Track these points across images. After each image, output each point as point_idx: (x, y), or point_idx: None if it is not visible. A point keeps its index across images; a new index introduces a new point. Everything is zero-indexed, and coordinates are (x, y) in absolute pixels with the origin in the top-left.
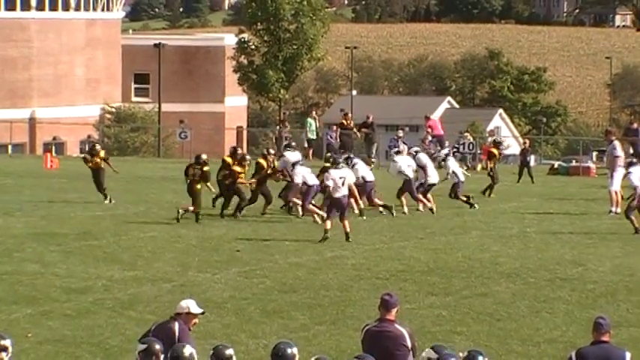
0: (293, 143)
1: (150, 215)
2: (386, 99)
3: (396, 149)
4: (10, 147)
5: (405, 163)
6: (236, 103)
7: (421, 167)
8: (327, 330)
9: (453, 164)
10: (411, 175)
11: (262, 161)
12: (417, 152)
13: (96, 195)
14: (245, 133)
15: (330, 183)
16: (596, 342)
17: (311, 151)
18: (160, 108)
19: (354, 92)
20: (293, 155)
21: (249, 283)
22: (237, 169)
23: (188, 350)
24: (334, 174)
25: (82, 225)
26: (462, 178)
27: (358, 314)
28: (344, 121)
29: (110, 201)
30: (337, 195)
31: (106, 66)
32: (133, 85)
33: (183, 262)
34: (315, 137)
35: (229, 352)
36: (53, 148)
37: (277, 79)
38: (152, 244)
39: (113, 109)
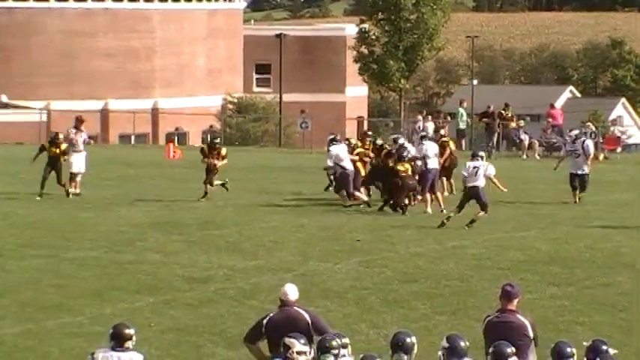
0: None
1: (271, 205)
2: (507, 88)
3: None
4: (132, 137)
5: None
6: (357, 93)
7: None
8: (448, 320)
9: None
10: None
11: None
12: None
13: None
14: (365, 123)
15: (464, 172)
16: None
17: (463, 141)
18: (280, 98)
19: (475, 82)
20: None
21: (370, 272)
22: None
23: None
24: (469, 164)
25: (204, 214)
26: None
27: (479, 304)
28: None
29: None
30: (468, 184)
31: (227, 56)
32: (255, 75)
33: (304, 252)
34: (465, 127)
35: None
36: (176, 138)
37: (398, 69)
38: (273, 233)
39: (235, 99)
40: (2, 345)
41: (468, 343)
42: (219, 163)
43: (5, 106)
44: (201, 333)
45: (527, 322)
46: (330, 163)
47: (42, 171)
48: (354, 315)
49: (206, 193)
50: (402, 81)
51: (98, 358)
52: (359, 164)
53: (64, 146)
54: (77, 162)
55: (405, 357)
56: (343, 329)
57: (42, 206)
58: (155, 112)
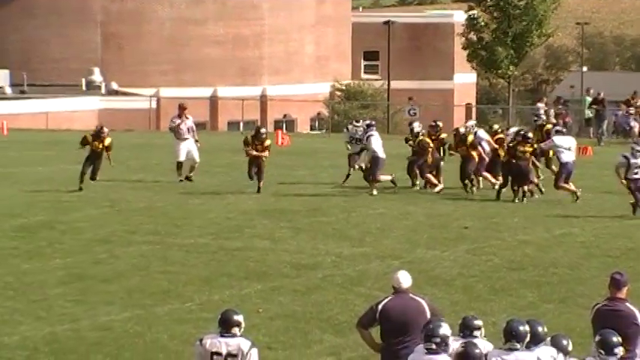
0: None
1: (378, 192)
2: (617, 75)
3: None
4: (241, 124)
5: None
6: (465, 79)
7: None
8: (556, 308)
9: None
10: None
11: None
12: None
13: (326, 171)
14: (474, 110)
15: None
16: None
17: (590, 130)
18: (389, 85)
19: (585, 68)
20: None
21: (478, 260)
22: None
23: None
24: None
25: (312, 202)
26: None
27: (588, 292)
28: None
29: None
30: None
31: (335, 43)
32: (363, 62)
33: (411, 239)
34: (592, 115)
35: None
36: (284, 125)
37: (507, 56)
38: (381, 220)
39: (343, 86)
40: (111, 331)
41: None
42: (262, 154)
43: (115, 93)
44: (309, 319)
45: (636, 311)
46: (376, 151)
47: (82, 165)
48: (461, 302)
49: (258, 188)
50: (511, 68)
51: (206, 344)
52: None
53: (108, 141)
54: (183, 150)
55: (518, 345)
56: (451, 317)
57: (150, 193)
58: (263, 99)
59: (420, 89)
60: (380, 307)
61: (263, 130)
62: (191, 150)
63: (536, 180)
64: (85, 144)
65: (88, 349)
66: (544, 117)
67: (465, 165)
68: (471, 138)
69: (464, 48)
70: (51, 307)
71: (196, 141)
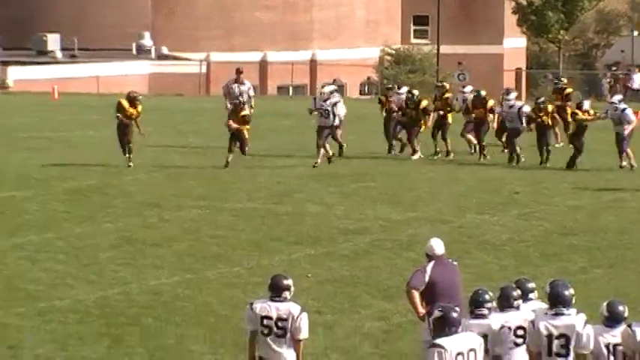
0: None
1: (426, 156)
2: None
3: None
4: (290, 89)
5: None
6: (514, 44)
7: None
8: (606, 273)
9: None
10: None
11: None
12: None
13: (376, 136)
14: (524, 74)
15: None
16: None
17: None
18: (438, 50)
19: (635, 33)
20: None
21: (528, 225)
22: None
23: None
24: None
25: (360, 166)
26: None
27: (638, 258)
28: None
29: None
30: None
31: (385, 8)
32: (412, 27)
33: (460, 204)
34: None
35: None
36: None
37: (557, 20)
38: (429, 185)
39: (392, 51)
40: (160, 294)
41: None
42: (241, 127)
43: (166, 57)
44: (357, 284)
45: None
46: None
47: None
48: (511, 267)
49: (227, 162)
50: (562, 32)
51: (257, 308)
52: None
53: (140, 108)
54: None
55: (564, 309)
56: (501, 282)
57: (199, 157)
58: (313, 64)
59: (470, 54)
60: (428, 271)
61: (239, 101)
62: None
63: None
64: (120, 110)
65: (139, 313)
66: (565, 80)
67: (478, 127)
68: (491, 102)
69: (514, 12)
70: (102, 270)
71: (251, 107)
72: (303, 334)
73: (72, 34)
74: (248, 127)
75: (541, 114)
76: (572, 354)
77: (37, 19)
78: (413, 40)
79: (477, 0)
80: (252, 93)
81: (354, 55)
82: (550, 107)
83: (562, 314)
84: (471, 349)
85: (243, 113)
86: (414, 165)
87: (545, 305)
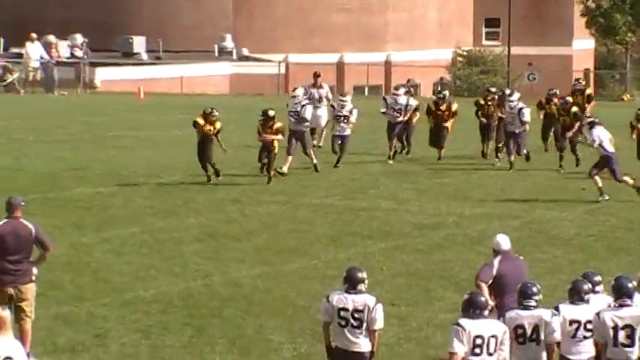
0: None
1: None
2: None
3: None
4: (366, 89)
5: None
6: (583, 46)
7: None
8: None
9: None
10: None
11: None
12: None
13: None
14: (592, 75)
15: None
16: None
17: None
18: (509, 51)
19: None
20: None
21: (595, 220)
22: None
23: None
24: None
25: (434, 163)
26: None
27: None
28: None
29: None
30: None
31: (458, 10)
32: (484, 29)
33: (531, 200)
34: None
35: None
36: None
37: (624, 22)
38: (501, 182)
39: (464, 52)
40: (241, 287)
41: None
42: (275, 138)
43: (246, 58)
44: (431, 277)
45: None
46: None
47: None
48: (579, 261)
49: (269, 178)
50: (629, 34)
51: (333, 300)
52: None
53: (219, 125)
54: (315, 117)
55: (629, 301)
56: (569, 275)
57: (278, 154)
58: (388, 65)
59: (540, 55)
60: (495, 265)
61: (272, 113)
62: (319, 116)
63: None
64: (197, 128)
65: (220, 304)
66: (583, 82)
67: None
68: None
69: (582, 15)
70: (185, 263)
71: (332, 106)
72: (379, 324)
73: (156, 37)
74: (280, 137)
75: (564, 115)
76: (637, 344)
77: (122, 23)
78: (484, 42)
79: (547, 3)
80: (330, 96)
81: (427, 57)
82: (574, 108)
83: (626, 305)
84: (492, 335)
85: (276, 126)
86: (486, 162)
87: (610, 298)
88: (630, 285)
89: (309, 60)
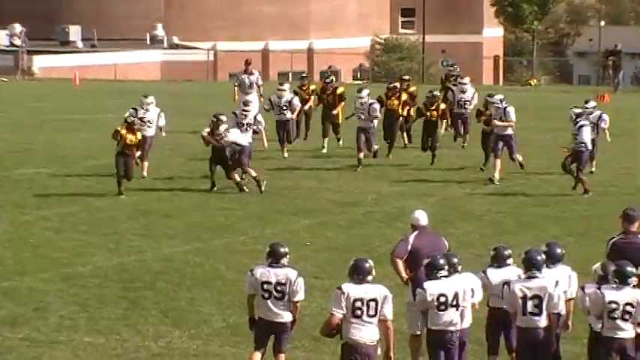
0: None
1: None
2: (633, 29)
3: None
4: (290, 75)
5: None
6: (493, 34)
7: None
8: (576, 241)
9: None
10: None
11: None
12: None
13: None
14: (501, 61)
15: None
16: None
17: None
18: (424, 39)
19: (602, 23)
20: None
21: (505, 198)
22: None
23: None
24: None
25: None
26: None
27: (604, 227)
28: None
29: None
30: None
31: (376, 1)
32: (400, 19)
33: (444, 179)
34: None
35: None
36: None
37: (531, 12)
38: (417, 162)
39: (382, 40)
40: (173, 261)
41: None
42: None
43: (176, 46)
44: (352, 251)
45: None
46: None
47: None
48: (489, 235)
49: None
50: (535, 23)
51: (257, 274)
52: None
53: (140, 135)
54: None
55: (537, 273)
56: (481, 249)
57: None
58: (310, 52)
59: (453, 42)
60: (411, 240)
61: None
62: (250, 101)
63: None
64: (117, 138)
65: (153, 278)
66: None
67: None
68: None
69: (492, 5)
70: (120, 240)
71: (260, 95)
72: (300, 296)
73: (91, 26)
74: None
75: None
76: (544, 313)
77: (59, 12)
78: (401, 30)
79: None
80: (260, 82)
81: (347, 44)
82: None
83: (534, 277)
84: (372, 299)
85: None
86: (401, 148)
87: (520, 270)
88: (539, 258)
89: (237, 47)
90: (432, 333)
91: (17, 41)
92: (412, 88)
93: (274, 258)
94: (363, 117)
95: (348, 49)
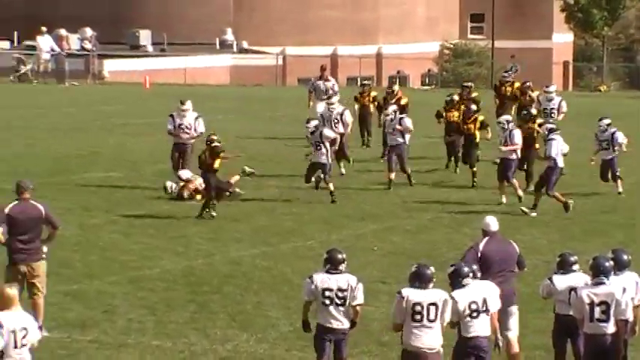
0: None
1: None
2: None
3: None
4: (358, 79)
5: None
6: (562, 39)
7: None
8: None
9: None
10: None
11: None
12: None
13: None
14: (571, 67)
15: None
16: None
17: None
18: (493, 44)
19: None
20: None
21: (574, 204)
22: None
23: None
24: None
25: (419, 151)
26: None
27: None
28: None
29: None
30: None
31: (444, 6)
32: (469, 24)
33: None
34: None
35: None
36: (397, 80)
37: (601, 17)
38: (484, 169)
39: (451, 45)
40: (240, 265)
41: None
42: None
43: (245, 51)
44: (419, 257)
45: None
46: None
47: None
48: (557, 242)
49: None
50: (605, 28)
51: (317, 281)
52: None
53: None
54: (319, 109)
55: (605, 279)
56: (548, 256)
57: (278, 142)
58: (379, 57)
59: (522, 48)
60: (481, 247)
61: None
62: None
63: None
64: (203, 167)
65: (221, 281)
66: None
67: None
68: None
69: (562, 10)
70: (188, 243)
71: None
72: (359, 300)
73: (161, 30)
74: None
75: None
76: (612, 319)
77: (130, 17)
78: (470, 36)
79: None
80: (336, 89)
81: (416, 49)
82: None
83: (602, 283)
84: (431, 303)
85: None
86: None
87: (587, 277)
88: (607, 264)
89: (305, 52)
90: (465, 341)
91: (88, 45)
92: (475, 94)
93: (332, 265)
94: (391, 133)
95: (416, 54)
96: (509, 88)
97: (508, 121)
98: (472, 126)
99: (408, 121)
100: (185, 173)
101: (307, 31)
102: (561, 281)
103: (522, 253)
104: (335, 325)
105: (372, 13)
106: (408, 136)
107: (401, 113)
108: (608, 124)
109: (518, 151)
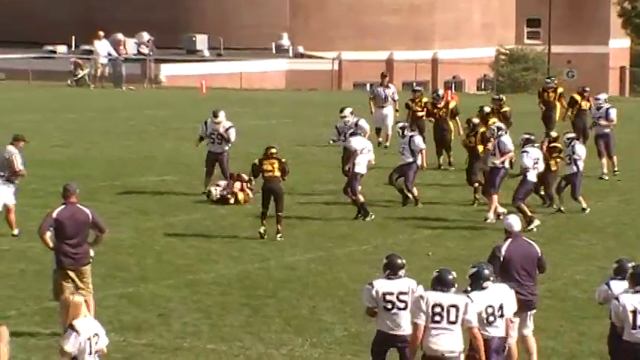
0: None
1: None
2: None
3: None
4: (414, 84)
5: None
6: (619, 45)
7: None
8: None
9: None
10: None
11: None
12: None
13: None
14: (627, 72)
15: None
16: None
17: None
18: (549, 49)
19: None
20: None
21: (628, 209)
22: None
23: None
24: None
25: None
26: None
27: None
28: None
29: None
30: None
31: (500, 11)
32: (525, 29)
33: (567, 190)
34: None
35: None
36: (453, 85)
37: None
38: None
39: (507, 51)
40: (296, 270)
41: None
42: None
43: (301, 56)
44: (475, 262)
45: None
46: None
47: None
48: (613, 248)
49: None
50: None
51: (377, 286)
52: None
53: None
54: (378, 117)
55: None
56: (604, 262)
57: (331, 147)
58: (434, 62)
59: (578, 53)
60: (503, 251)
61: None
62: (385, 115)
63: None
64: (257, 174)
65: (276, 286)
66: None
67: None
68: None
69: (619, 16)
70: (243, 247)
71: (396, 110)
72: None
73: (218, 35)
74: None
75: None
76: None
77: (186, 21)
78: (526, 41)
79: (586, 4)
80: (396, 97)
81: (471, 55)
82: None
83: None
84: (452, 305)
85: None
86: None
87: None
88: None
89: (361, 57)
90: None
91: (145, 50)
92: (506, 108)
93: (392, 270)
94: (401, 152)
95: (472, 60)
96: (552, 94)
97: (499, 128)
98: (473, 138)
99: (418, 140)
100: (222, 183)
101: (363, 36)
102: (619, 287)
103: (578, 259)
104: (396, 331)
105: (428, 18)
106: (419, 157)
107: (452, 117)
108: None
109: (506, 162)
